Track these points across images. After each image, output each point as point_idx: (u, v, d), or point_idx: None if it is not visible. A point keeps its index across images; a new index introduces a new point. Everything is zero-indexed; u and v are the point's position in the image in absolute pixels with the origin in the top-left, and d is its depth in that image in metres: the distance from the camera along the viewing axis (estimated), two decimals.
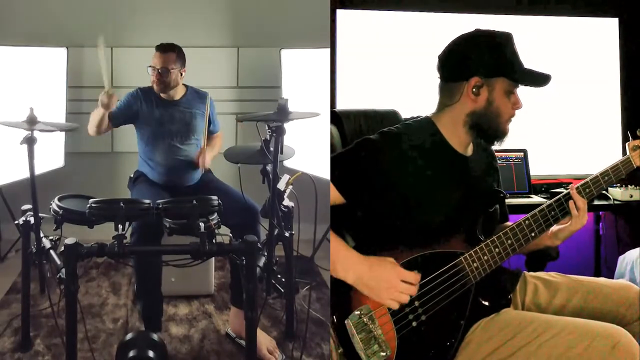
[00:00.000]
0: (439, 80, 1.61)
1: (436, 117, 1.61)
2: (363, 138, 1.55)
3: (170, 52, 2.50)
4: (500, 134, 1.57)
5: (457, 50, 1.57)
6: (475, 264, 1.51)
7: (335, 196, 1.53)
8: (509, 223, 1.75)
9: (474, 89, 1.52)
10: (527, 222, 1.57)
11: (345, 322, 1.45)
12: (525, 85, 1.56)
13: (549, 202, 1.61)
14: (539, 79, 1.55)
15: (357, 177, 1.51)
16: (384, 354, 1.45)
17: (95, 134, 2.54)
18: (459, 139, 1.59)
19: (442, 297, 1.48)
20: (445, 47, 1.59)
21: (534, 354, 1.42)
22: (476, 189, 1.62)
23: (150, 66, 2.50)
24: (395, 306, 1.44)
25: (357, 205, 1.56)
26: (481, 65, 1.52)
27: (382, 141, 1.53)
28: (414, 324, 1.47)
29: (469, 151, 1.64)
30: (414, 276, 1.45)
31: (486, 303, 1.53)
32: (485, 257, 1.52)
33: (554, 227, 1.63)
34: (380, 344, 1.45)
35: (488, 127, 1.55)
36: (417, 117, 1.70)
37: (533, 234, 1.57)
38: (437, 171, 1.54)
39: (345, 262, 1.45)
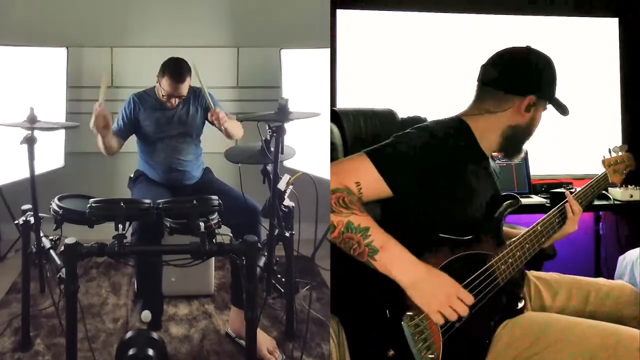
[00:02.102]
0: (480, 82, 1.61)
1: (470, 118, 1.59)
2: (404, 132, 1.53)
3: (185, 80, 2.43)
4: (520, 152, 1.64)
5: (520, 64, 1.59)
6: (503, 266, 1.53)
7: (381, 189, 1.47)
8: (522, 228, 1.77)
9: (527, 106, 1.57)
10: (539, 227, 1.63)
11: (402, 322, 1.42)
12: (558, 111, 1.63)
13: (554, 209, 1.67)
14: (565, 110, 1.64)
15: (403, 169, 1.48)
16: (432, 355, 1.43)
17: (111, 154, 2.48)
18: (488, 144, 1.61)
19: (479, 299, 1.48)
20: (502, 57, 1.60)
21: (559, 352, 1.42)
22: (496, 191, 1.65)
23: (163, 90, 2.43)
24: (440, 321, 1.41)
25: (404, 199, 1.52)
26: (541, 87, 1.58)
27: (423, 136, 1.52)
28: (457, 324, 1.46)
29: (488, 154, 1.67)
30: (470, 297, 1.43)
31: (520, 304, 1.55)
32: (510, 260, 1.54)
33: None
34: (429, 346, 1.43)
35: (519, 142, 1.62)
36: (415, 117, 1.70)
37: (544, 239, 1.63)
38: (470, 170, 1.55)
39: (403, 264, 1.40)
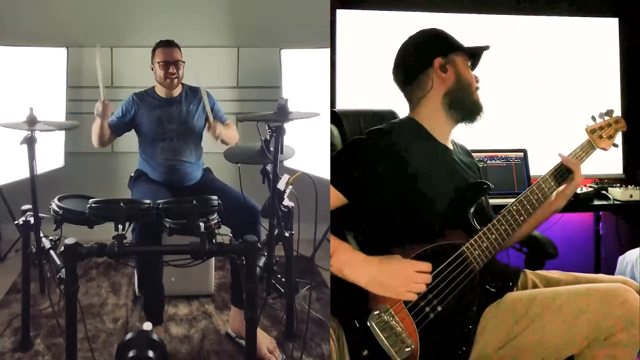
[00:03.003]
0: (402, 86, 1.72)
1: (414, 113, 1.70)
2: (353, 138, 1.63)
3: (175, 46, 2.54)
4: (477, 107, 1.66)
5: (411, 48, 1.71)
6: (476, 251, 1.55)
7: (337, 197, 1.55)
8: None
9: (440, 68, 1.64)
10: (515, 207, 1.63)
11: (368, 323, 1.47)
12: (474, 53, 1.70)
13: (530, 187, 1.68)
14: (481, 47, 1.70)
15: (354, 176, 1.55)
16: (408, 349, 1.47)
17: (100, 145, 2.53)
18: (441, 129, 1.68)
19: (452, 287, 1.51)
20: (398, 54, 1.73)
21: (548, 321, 1.46)
22: (463, 181, 1.67)
23: (158, 62, 2.50)
24: (414, 297, 1.47)
25: (358, 204, 1.58)
26: (437, 47, 1.67)
27: (371, 139, 1.60)
28: (432, 315, 1.50)
29: (450, 145, 1.71)
30: (426, 265, 1.48)
31: (493, 290, 1.57)
32: (485, 244, 1.56)
33: (559, 188, 1.72)
34: (403, 340, 1.47)
35: (465, 100, 1.65)
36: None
37: (522, 218, 1.63)
38: (427, 164, 1.59)
39: (353, 265, 1.47)
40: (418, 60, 1.67)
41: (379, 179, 1.54)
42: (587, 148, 1.79)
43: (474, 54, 1.70)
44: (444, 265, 1.52)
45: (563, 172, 1.71)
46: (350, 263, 1.47)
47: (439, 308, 1.50)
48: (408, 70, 1.69)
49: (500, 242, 1.59)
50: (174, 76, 2.52)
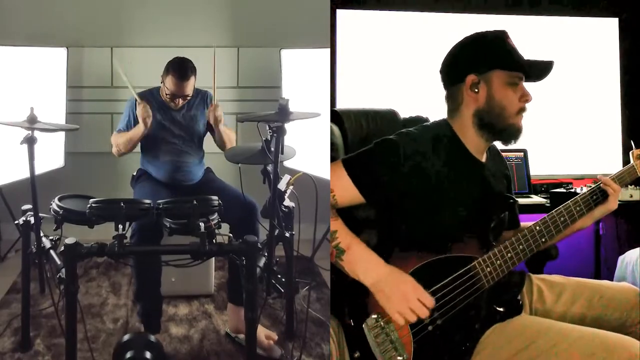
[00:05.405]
0: (445, 87, 1.63)
1: (451, 121, 1.61)
2: (382, 138, 1.54)
3: (189, 79, 2.42)
4: (512, 130, 1.55)
5: (450, 55, 1.61)
6: (488, 268, 1.51)
7: (354, 196, 1.50)
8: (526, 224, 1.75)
9: (471, 87, 1.54)
10: (537, 227, 1.58)
11: (363, 326, 1.45)
12: (524, 73, 1.55)
13: (558, 208, 1.63)
14: (536, 66, 1.54)
15: (378, 176, 1.49)
16: (401, 358, 1.44)
17: (122, 154, 2.51)
18: (475, 144, 1.59)
19: (457, 302, 1.48)
20: (448, 53, 1.62)
21: (556, 356, 1.40)
22: (489, 195, 1.61)
23: (167, 89, 2.43)
24: (400, 321, 1.42)
25: (376, 205, 1.55)
26: (472, 63, 1.55)
27: (402, 142, 1.52)
28: (430, 328, 1.46)
29: (484, 158, 1.64)
30: (430, 300, 1.43)
31: (500, 309, 1.52)
32: (498, 262, 1.52)
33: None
34: (397, 348, 1.44)
35: (496, 124, 1.54)
36: (417, 117, 1.68)
37: (544, 240, 1.58)
38: (455, 175, 1.53)
39: (366, 264, 1.45)
40: (453, 71, 1.59)
41: (401, 183, 1.49)
42: (632, 173, 1.74)
43: (526, 72, 1.55)
44: (451, 278, 1.48)
45: (597, 196, 1.68)
46: (364, 262, 1.44)
47: (439, 321, 1.47)
48: (445, 77, 1.62)
49: (516, 262, 1.54)
50: (177, 105, 2.49)
